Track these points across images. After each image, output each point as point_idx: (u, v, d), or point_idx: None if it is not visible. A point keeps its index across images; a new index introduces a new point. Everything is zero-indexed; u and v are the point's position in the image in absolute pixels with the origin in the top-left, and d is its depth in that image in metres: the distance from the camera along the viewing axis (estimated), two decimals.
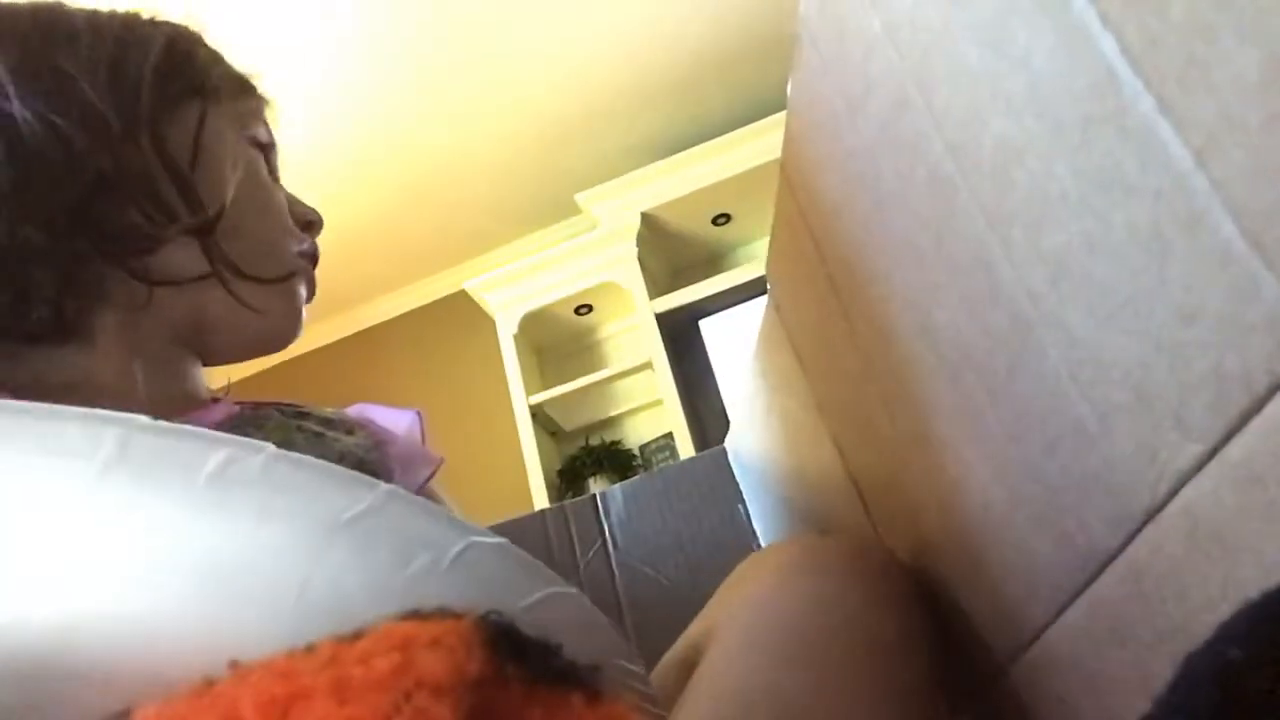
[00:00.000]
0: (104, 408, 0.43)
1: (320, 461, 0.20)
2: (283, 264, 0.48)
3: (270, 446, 0.20)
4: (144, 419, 0.19)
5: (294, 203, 0.51)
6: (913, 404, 0.37)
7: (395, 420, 0.54)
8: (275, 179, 0.52)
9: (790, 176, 0.46)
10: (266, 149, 0.51)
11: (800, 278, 0.49)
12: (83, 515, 0.19)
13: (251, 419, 0.49)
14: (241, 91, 0.50)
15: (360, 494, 0.20)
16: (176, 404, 0.47)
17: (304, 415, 0.51)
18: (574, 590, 0.23)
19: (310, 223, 0.51)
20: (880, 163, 0.34)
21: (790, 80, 0.41)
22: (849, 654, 0.34)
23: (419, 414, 0.55)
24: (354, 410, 0.54)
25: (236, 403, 0.52)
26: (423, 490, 0.52)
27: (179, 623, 0.19)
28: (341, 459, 0.47)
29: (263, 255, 0.47)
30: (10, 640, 0.18)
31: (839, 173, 0.38)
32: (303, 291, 0.50)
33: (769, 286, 0.56)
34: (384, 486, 0.20)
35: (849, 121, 0.36)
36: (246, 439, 0.20)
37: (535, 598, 0.22)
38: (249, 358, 0.50)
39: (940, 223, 0.30)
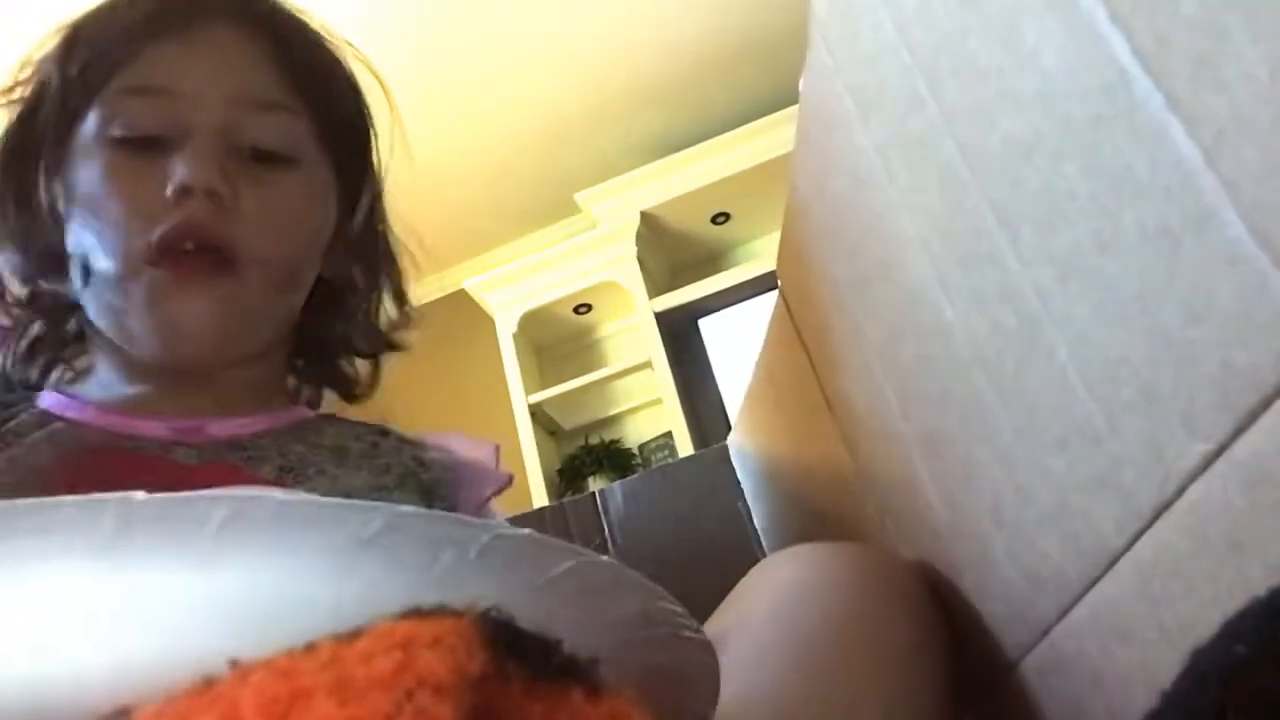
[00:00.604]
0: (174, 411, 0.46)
1: (327, 499, 0.20)
2: (117, 265, 0.44)
3: (277, 494, 0.20)
4: (141, 495, 0.19)
5: (174, 170, 0.44)
6: (923, 402, 0.37)
7: (474, 448, 0.55)
8: (156, 144, 0.45)
9: (801, 174, 0.46)
10: (142, 134, 0.45)
11: (810, 275, 0.49)
12: (97, 585, 0.19)
13: (314, 425, 0.50)
14: (99, 88, 0.45)
15: (373, 515, 0.20)
16: (261, 400, 0.50)
17: (385, 434, 0.53)
18: (604, 558, 0.23)
19: (182, 189, 0.43)
20: (892, 161, 0.34)
21: (802, 78, 0.41)
22: (862, 664, 0.34)
23: (496, 446, 0.57)
24: (436, 437, 0.55)
25: (317, 412, 0.54)
26: (484, 506, 0.54)
27: (218, 661, 0.19)
28: (387, 470, 0.48)
29: (101, 257, 0.44)
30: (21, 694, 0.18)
31: (850, 170, 0.38)
32: (156, 287, 0.43)
33: (779, 284, 0.56)
34: (397, 507, 0.21)
35: (861, 119, 0.36)
36: (250, 492, 0.20)
37: (565, 566, 0.22)
38: (166, 359, 0.46)
39: (950, 220, 0.30)
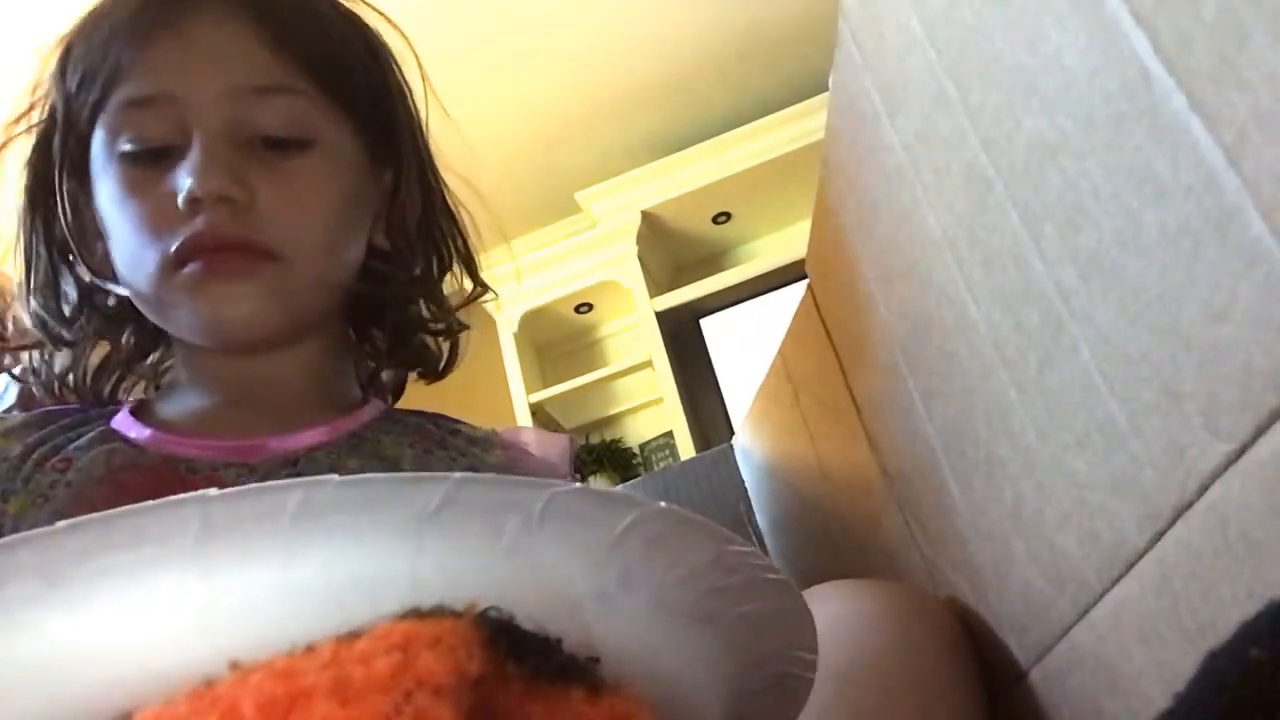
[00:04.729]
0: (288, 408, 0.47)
1: (385, 475, 0.20)
2: (149, 278, 0.44)
3: (334, 477, 0.20)
4: (215, 491, 0.19)
5: (180, 181, 0.42)
6: (946, 400, 0.37)
7: (545, 444, 0.55)
8: (165, 156, 0.44)
9: (831, 169, 0.46)
10: (143, 147, 0.44)
11: (839, 271, 0.49)
12: (184, 584, 0.19)
13: (375, 432, 0.50)
14: (101, 104, 0.45)
15: (435, 487, 0.20)
16: (328, 404, 0.50)
17: (455, 432, 0.53)
18: (662, 504, 0.23)
19: (192, 198, 0.42)
20: (918, 159, 0.34)
21: (831, 73, 0.41)
22: (901, 701, 0.35)
23: (571, 439, 0.55)
24: (507, 432, 0.54)
25: (388, 408, 0.54)
26: None
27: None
28: (450, 468, 0.48)
29: (133, 272, 0.45)
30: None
31: (878, 168, 0.39)
32: (195, 281, 0.43)
33: (808, 279, 0.56)
34: (455, 476, 0.20)
35: (888, 116, 0.36)
36: (313, 478, 0.20)
37: (630, 519, 0.22)
38: (223, 348, 0.47)
39: (975, 219, 0.30)
